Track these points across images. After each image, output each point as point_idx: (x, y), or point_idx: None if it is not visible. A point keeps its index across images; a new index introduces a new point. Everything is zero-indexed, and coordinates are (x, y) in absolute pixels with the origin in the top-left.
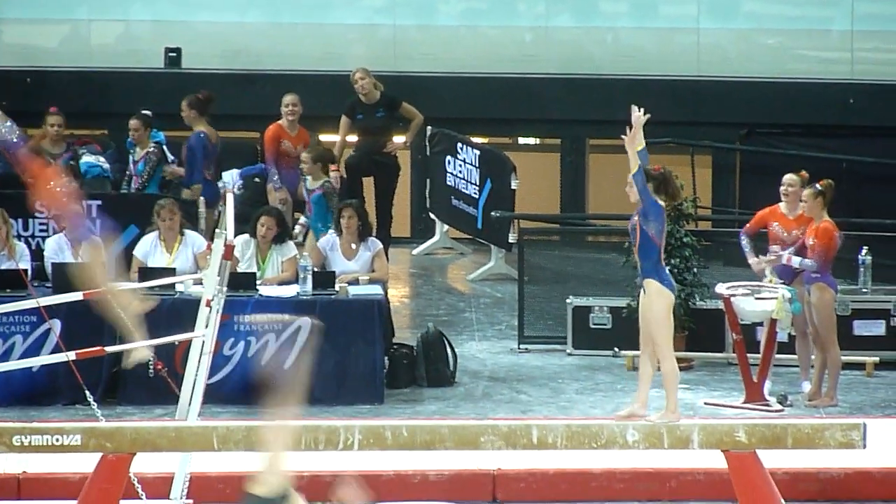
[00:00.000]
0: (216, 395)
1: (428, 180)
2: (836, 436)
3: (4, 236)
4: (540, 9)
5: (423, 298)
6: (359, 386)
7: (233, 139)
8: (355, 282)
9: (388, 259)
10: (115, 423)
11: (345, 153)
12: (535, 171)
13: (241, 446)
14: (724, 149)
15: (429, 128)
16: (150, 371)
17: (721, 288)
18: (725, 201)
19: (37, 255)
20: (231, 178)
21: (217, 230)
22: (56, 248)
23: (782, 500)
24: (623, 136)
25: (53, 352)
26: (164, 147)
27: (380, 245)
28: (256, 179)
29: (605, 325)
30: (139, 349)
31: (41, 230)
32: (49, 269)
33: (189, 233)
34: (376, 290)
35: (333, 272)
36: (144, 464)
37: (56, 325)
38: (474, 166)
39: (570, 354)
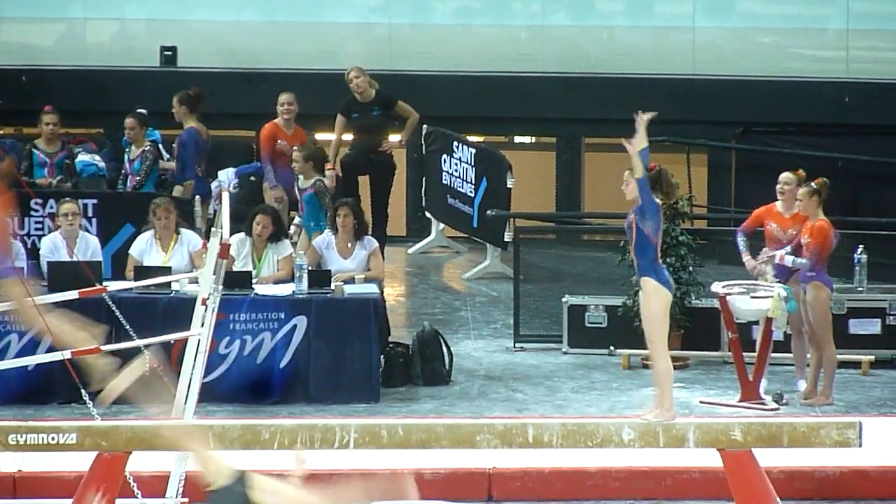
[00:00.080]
0: (212, 394)
1: (424, 179)
2: (831, 434)
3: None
4: (535, 7)
5: (418, 297)
6: (355, 384)
7: (228, 138)
8: (351, 280)
9: (383, 258)
10: (110, 421)
11: (340, 152)
12: (530, 170)
13: (237, 445)
14: (719, 147)
15: (424, 126)
16: (146, 370)
17: (717, 286)
18: (721, 200)
19: (32, 253)
20: (227, 177)
21: (213, 229)
22: (51, 247)
23: (778, 499)
24: (625, 141)
25: (49, 350)
26: (160, 146)
27: (376, 244)
28: (252, 178)
29: (600, 323)
30: (109, 380)
31: (37, 229)
32: (44, 268)
33: (185, 231)
34: (372, 288)
35: (329, 271)
36: (140, 463)
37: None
38: (470, 165)
39: (565, 353)
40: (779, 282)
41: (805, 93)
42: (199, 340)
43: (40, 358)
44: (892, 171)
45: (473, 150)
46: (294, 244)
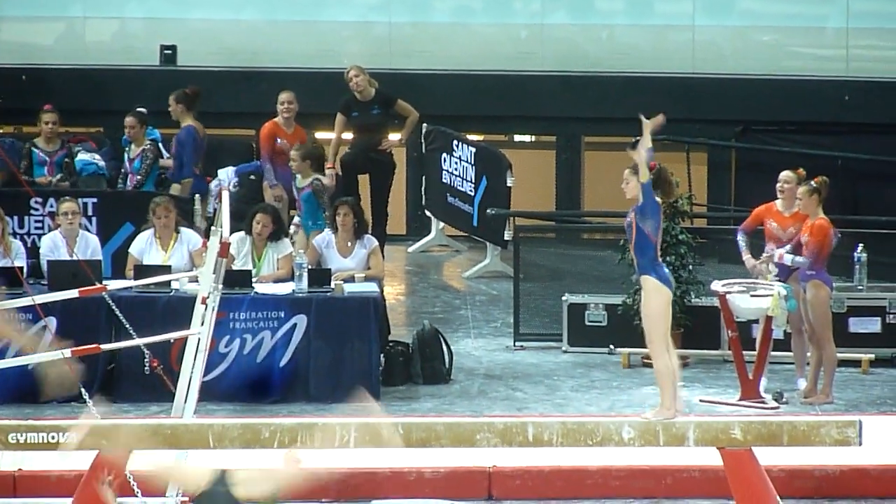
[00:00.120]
0: (212, 393)
1: (423, 178)
2: (831, 433)
3: (0, 234)
4: (535, 6)
5: (418, 296)
6: (355, 383)
7: (228, 136)
8: (351, 279)
9: (383, 256)
10: (110, 420)
11: (340, 151)
12: (530, 169)
13: (237, 444)
14: (719, 146)
15: (424, 125)
16: (146, 368)
17: (717, 285)
18: (721, 198)
19: (32, 252)
20: (227, 176)
21: (213, 227)
22: (52, 246)
23: (778, 498)
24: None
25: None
26: (160, 144)
27: (375, 242)
28: (252, 177)
29: (600, 322)
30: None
31: (37, 228)
32: (45, 267)
33: (184, 230)
34: (372, 287)
35: (329, 269)
36: (140, 461)
37: (51, 322)
38: (470, 163)
39: (565, 352)
40: (779, 280)
41: (805, 91)
42: (199, 339)
43: (39, 357)
44: (892, 170)
45: (473, 149)
46: (293, 243)
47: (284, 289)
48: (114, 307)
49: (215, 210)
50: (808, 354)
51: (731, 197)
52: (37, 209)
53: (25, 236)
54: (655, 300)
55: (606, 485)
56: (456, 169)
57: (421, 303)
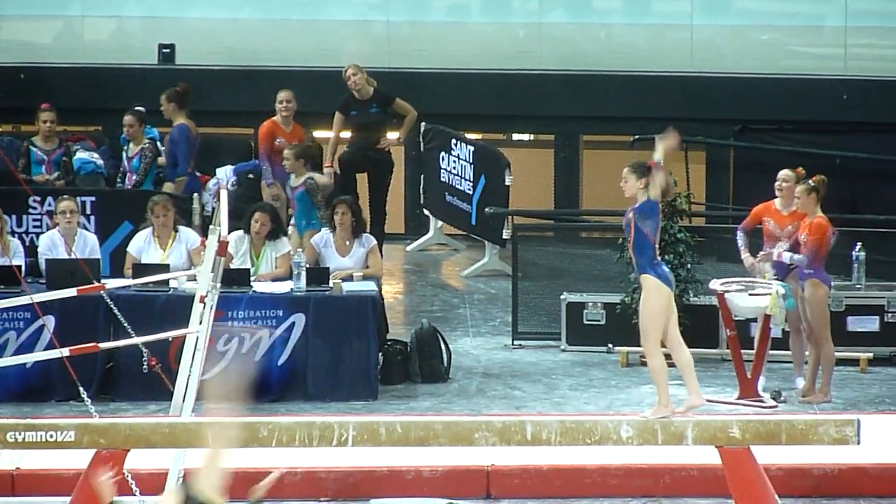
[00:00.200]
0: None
1: (422, 176)
2: (829, 432)
3: None
4: (533, 5)
5: (417, 295)
6: (353, 382)
7: (227, 135)
8: (349, 278)
9: (382, 255)
10: (109, 419)
11: (339, 149)
12: (529, 168)
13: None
14: (717, 145)
15: (422, 124)
16: (145, 367)
17: (715, 284)
18: (719, 197)
19: (31, 251)
20: (225, 175)
21: (211, 226)
22: (50, 245)
23: (776, 496)
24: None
25: (47, 348)
26: (158, 143)
27: (374, 241)
28: (250, 176)
29: (599, 321)
30: None
31: (35, 226)
32: (43, 266)
33: (183, 229)
34: (370, 286)
35: (327, 268)
36: (138, 460)
37: (50, 321)
38: (468, 162)
39: (564, 350)
40: (777, 279)
41: (803, 90)
42: (197, 338)
43: (38, 355)
44: (891, 169)
45: (472, 148)
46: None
47: (283, 287)
48: (112, 306)
49: (213, 209)
50: (807, 353)
51: (730, 196)
52: (35, 208)
53: (24, 235)
54: (655, 299)
55: (605, 483)
56: (454, 168)
57: (419, 301)
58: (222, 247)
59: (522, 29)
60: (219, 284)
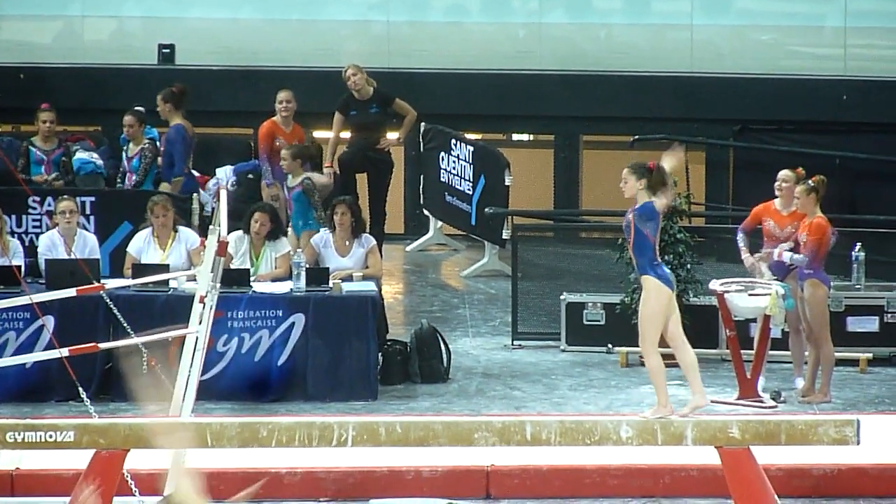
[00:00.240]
0: (210, 392)
1: (421, 176)
2: (829, 432)
3: None
4: (533, 5)
5: (416, 295)
6: (353, 382)
7: (226, 136)
8: (349, 278)
9: (381, 255)
10: (108, 419)
11: (338, 150)
12: (528, 168)
13: (235, 443)
14: (717, 145)
15: (422, 124)
16: (144, 367)
17: (715, 284)
18: (719, 197)
19: (30, 251)
20: (225, 175)
21: (211, 227)
22: (49, 245)
23: (776, 497)
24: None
25: (47, 348)
26: (158, 143)
27: (373, 241)
28: (250, 176)
29: (598, 321)
30: None
31: (34, 226)
32: (42, 266)
33: (182, 229)
34: (370, 286)
35: (327, 269)
36: (138, 460)
37: (49, 321)
38: (468, 162)
39: (563, 351)
40: (776, 279)
41: (803, 90)
42: (196, 338)
43: (38, 356)
44: (890, 169)
45: (471, 148)
46: None
47: (282, 288)
48: (112, 306)
49: (213, 209)
50: (806, 353)
51: (729, 196)
52: (35, 208)
53: (23, 235)
54: (655, 300)
55: (604, 484)
56: (454, 168)
57: (419, 302)
58: (222, 247)
59: (522, 29)
60: (218, 284)
